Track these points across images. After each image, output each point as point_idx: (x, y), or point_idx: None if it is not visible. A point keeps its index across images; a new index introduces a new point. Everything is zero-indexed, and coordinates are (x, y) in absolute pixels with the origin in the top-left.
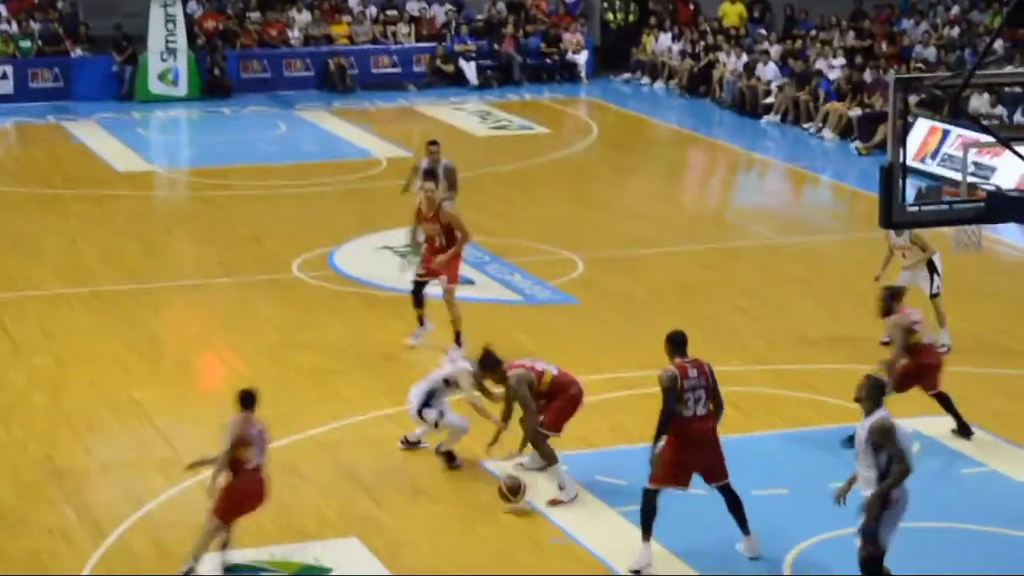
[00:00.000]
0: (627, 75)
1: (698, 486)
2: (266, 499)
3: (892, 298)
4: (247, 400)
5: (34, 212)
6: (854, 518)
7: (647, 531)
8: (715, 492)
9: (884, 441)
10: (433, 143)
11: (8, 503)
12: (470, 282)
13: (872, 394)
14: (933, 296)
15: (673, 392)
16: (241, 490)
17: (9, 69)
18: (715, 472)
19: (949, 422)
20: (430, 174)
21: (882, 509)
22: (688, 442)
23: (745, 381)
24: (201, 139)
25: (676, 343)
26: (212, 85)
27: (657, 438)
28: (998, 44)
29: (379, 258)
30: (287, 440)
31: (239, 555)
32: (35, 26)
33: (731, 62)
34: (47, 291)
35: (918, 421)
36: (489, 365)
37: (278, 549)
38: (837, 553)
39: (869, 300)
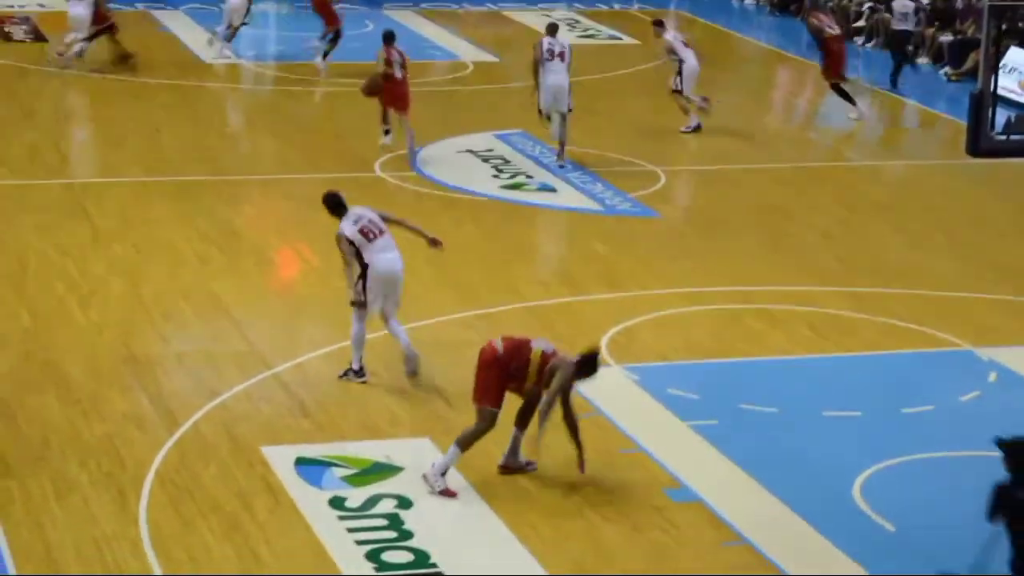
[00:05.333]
0: None
1: (767, 403)
2: None
3: None
4: None
5: (120, 100)
6: (928, 444)
7: None
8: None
9: None
10: None
11: (84, 388)
12: (551, 190)
13: None
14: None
15: None
16: None
17: None
18: None
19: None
20: None
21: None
22: None
23: (821, 302)
24: (288, 34)
25: None
26: None
27: None
28: None
29: (461, 161)
30: None
31: (312, 449)
32: None
33: None
34: (129, 178)
35: (997, 351)
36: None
37: (351, 445)
38: (908, 477)
39: (950, 228)
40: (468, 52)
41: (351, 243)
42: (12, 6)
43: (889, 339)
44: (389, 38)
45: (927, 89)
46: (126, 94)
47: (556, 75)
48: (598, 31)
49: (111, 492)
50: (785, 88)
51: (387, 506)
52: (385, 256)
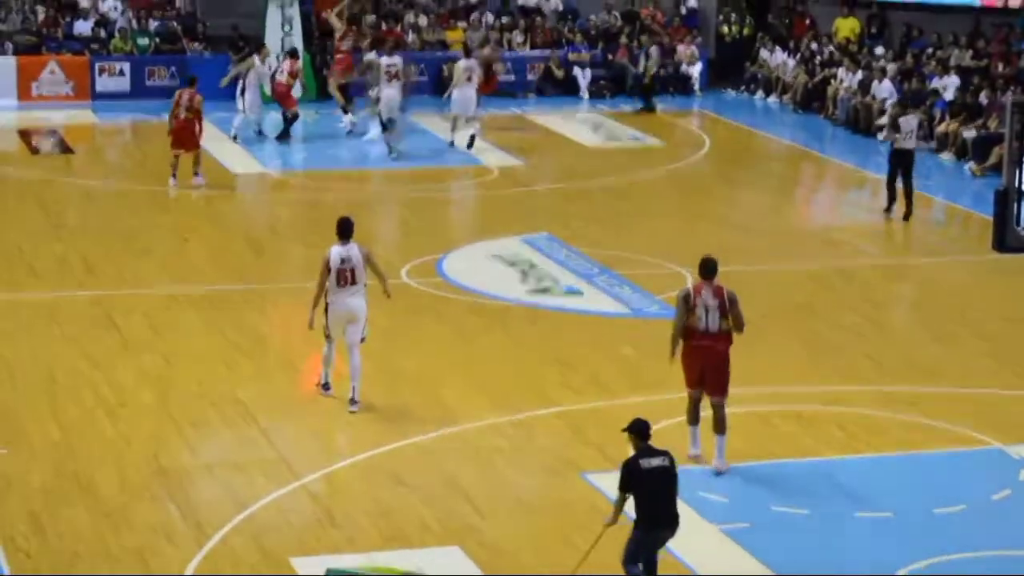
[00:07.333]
0: (741, 89)
1: (799, 505)
2: None
3: None
4: None
5: (147, 210)
6: (961, 543)
7: None
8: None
9: None
10: None
11: (113, 500)
12: (578, 293)
13: None
14: None
15: None
16: None
17: (126, 66)
18: None
19: None
20: None
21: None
22: None
23: (852, 402)
24: (314, 141)
25: None
26: (325, 86)
27: None
28: None
29: (488, 266)
30: (391, 446)
31: (342, 560)
32: (153, 24)
33: (847, 79)
34: (157, 289)
35: None
36: None
37: (380, 556)
38: None
39: (978, 324)
40: (492, 157)
41: (328, 269)
42: (40, 119)
43: (919, 438)
44: (188, 83)
45: (952, 185)
46: (152, 204)
47: (391, 89)
48: (621, 132)
49: None
50: (809, 186)
51: None
52: (346, 301)
